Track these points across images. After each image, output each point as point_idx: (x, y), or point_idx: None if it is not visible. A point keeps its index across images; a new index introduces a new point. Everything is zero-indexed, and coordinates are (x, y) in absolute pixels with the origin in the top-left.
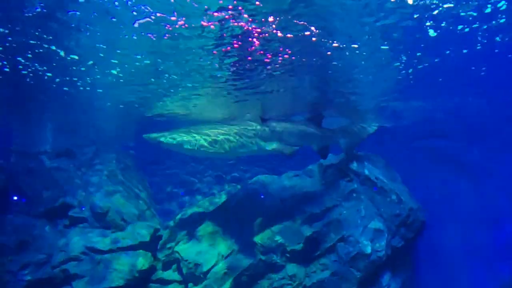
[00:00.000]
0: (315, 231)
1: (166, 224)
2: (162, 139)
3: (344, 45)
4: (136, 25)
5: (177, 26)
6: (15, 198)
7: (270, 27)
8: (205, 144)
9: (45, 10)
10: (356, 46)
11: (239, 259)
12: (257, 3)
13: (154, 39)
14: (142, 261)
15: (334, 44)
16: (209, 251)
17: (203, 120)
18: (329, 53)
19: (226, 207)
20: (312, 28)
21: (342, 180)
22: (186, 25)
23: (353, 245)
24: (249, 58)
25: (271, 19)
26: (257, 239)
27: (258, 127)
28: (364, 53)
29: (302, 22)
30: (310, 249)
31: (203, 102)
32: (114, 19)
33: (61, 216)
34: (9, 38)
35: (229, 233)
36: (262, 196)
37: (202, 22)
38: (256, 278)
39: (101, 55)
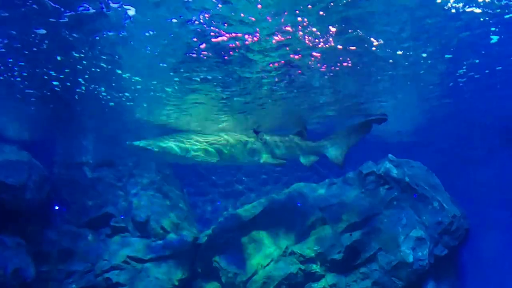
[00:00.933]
0: (355, 240)
1: (205, 233)
2: (148, 146)
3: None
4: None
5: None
6: (57, 208)
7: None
8: (197, 152)
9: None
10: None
11: (278, 268)
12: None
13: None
14: (182, 270)
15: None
16: (248, 260)
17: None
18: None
19: (264, 216)
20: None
21: (382, 188)
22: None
23: (394, 254)
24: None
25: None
26: (296, 248)
27: (252, 139)
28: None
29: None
30: (350, 258)
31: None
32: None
33: (103, 225)
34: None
35: (268, 242)
36: (299, 205)
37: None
38: (296, 287)
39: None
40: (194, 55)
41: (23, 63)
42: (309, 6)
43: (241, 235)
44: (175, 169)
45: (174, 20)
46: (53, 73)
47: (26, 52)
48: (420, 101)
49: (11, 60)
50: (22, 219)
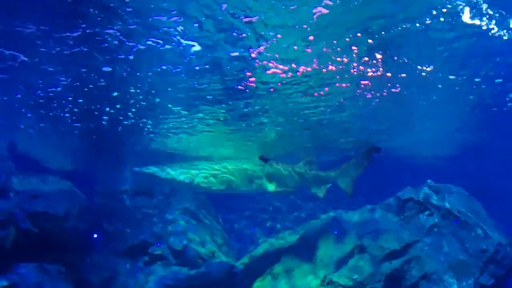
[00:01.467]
0: (395, 268)
1: (241, 261)
2: (156, 173)
3: None
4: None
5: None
6: (97, 236)
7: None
8: (203, 179)
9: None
10: None
11: None
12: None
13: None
14: None
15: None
16: None
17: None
18: None
19: (300, 244)
20: None
21: (421, 214)
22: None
23: (437, 283)
24: None
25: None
26: (335, 277)
27: (259, 167)
28: None
29: None
30: None
31: None
32: None
33: (141, 253)
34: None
35: (306, 270)
36: (336, 232)
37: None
38: None
39: None
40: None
41: (81, 100)
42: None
43: (278, 264)
44: (209, 196)
45: (232, 54)
46: (107, 109)
47: (86, 90)
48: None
49: (70, 98)
50: (63, 247)
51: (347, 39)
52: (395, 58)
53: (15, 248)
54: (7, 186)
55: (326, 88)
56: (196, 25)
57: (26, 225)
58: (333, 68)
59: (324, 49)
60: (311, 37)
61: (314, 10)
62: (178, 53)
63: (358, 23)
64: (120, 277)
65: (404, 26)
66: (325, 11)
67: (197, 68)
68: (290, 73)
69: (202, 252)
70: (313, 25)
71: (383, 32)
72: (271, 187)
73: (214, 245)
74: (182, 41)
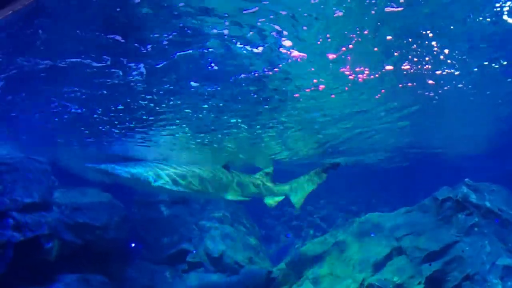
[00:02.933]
0: (436, 269)
1: (278, 267)
2: (112, 170)
3: None
4: None
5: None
6: (135, 245)
7: None
8: (167, 180)
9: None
10: None
11: None
12: None
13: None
14: None
15: None
16: None
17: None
18: None
19: (337, 248)
20: None
21: (460, 214)
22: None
23: (480, 284)
24: None
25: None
26: (373, 280)
27: (226, 175)
28: None
29: None
30: None
31: None
32: None
33: (179, 261)
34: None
35: (343, 274)
36: (373, 235)
37: None
38: None
39: None
40: None
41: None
42: None
43: (316, 268)
44: (244, 202)
45: None
46: None
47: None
48: None
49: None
50: (104, 257)
51: None
52: None
53: (58, 260)
54: (50, 200)
55: None
56: None
57: (68, 237)
58: None
59: None
60: None
61: None
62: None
63: None
64: (160, 285)
65: None
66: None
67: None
68: None
69: (239, 258)
70: None
71: None
72: (231, 195)
73: (250, 251)
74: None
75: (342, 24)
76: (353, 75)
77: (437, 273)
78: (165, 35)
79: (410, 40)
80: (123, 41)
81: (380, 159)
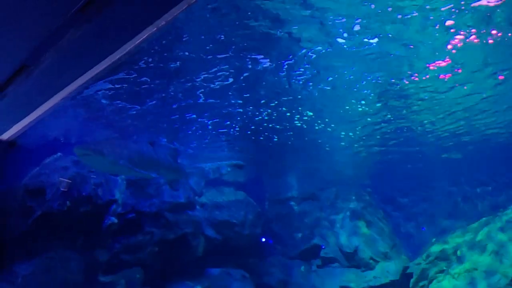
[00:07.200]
0: None
1: (415, 261)
2: None
3: None
4: None
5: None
6: (268, 241)
7: None
8: None
9: None
10: None
11: None
12: None
13: None
14: None
15: None
16: None
17: None
18: None
19: (480, 241)
20: None
21: None
22: None
23: None
24: None
25: None
26: None
27: None
28: None
29: None
30: None
31: None
32: None
33: (313, 256)
34: None
35: (489, 269)
36: None
37: None
38: None
39: None
40: None
41: None
42: None
43: (457, 263)
44: (375, 197)
45: None
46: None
47: None
48: None
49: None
50: (242, 252)
51: None
52: None
53: (204, 255)
54: (195, 200)
55: None
56: None
57: (211, 233)
58: None
59: None
60: None
61: None
62: None
63: None
64: (296, 280)
65: None
66: None
67: None
68: None
69: (373, 253)
70: None
71: None
72: None
73: (384, 246)
74: None
75: None
76: None
77: None
78: None
79: None
80: None
81: None
